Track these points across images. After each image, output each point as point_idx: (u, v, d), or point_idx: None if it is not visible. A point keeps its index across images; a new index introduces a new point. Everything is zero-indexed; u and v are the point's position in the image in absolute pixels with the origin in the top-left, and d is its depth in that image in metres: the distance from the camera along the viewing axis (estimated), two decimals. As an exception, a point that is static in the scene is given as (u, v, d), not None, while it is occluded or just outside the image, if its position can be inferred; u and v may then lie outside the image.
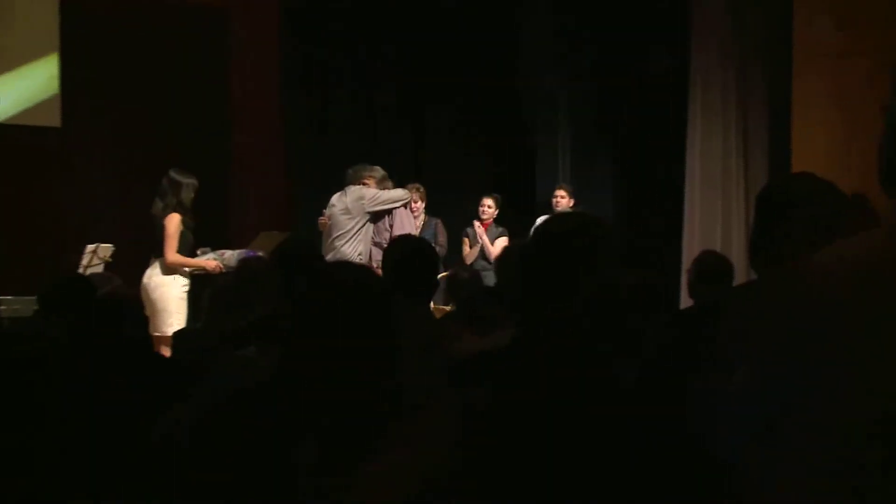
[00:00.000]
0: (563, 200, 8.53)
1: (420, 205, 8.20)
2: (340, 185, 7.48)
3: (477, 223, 8.42)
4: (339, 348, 1.67)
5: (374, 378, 1.68)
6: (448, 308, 6.58)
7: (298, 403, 1.67)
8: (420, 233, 8.08)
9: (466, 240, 8.50)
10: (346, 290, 1.73)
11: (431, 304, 6.31)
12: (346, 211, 7.24)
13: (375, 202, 7.26)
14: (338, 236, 7.22)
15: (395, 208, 7.37)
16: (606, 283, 1.85)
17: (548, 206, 8.64)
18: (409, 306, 3.24)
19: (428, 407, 1.72)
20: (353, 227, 7.22)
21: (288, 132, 9.64)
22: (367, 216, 7.25)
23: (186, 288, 6.69)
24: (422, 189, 8.22)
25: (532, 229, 8.49)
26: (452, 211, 8.68)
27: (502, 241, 8.34)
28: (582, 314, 1.83)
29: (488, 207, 8.48)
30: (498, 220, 8.51)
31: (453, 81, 9.48)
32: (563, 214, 2.13)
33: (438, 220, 8.31)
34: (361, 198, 7.24)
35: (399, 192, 7.43)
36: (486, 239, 8.34)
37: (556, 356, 1.82)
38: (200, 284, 6.47)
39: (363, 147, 8.89)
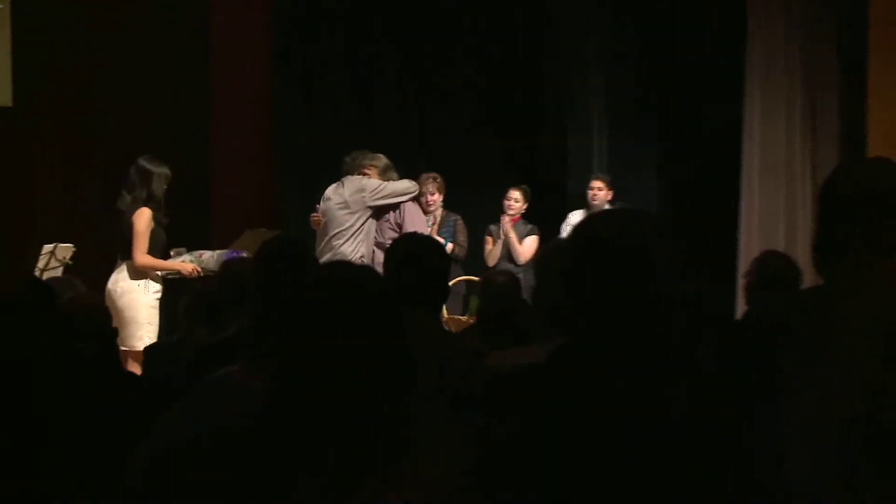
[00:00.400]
0: (600, 193, 8.48)
1: (437, 198, 8.11)
2: (335, 177, 7.47)
3: (505, 218, 8.35)
4: (348, 364, 1.69)
5: (388, 396, 1.70)
6: (465, 318, 6.59)
7: (298, 437, 1.69)
8: (437, 230, 8.05)
9: (490, 238, 8.44)
10: (346, 292, 1.74)
11: (444, 314, 6.33)
12: (345, 205, 7.22)
13: (378, 195, 7.25)
14: (335, 234, 7.20)
15: (402, 202, 7.37)
16: (662, 294, 1.87)
17: (581, 200, 8.62)
18: (414, 316, 3.20)
19: (437, 433, 1.76)
20: (352, 224, 7.20)
21: (275, 119, 9.68)
22: (369, 211, 7.23)
23: (158, 295, 6.69)
24: (439, 179, 8.12)
25: (564, 227, 8.48)
26: (468, 208, 8.62)
27: (532, 241, 8.27)
28: (635, 329, 1.85)
29: (515, 201, 8.39)
30: (526, 216, 8.46)
31: (464, 59, 9.49)
32: (612, 214, 2.11)
33: (458, 217, 8.23)
34: (362, 190, 7.23)
35: (405, 184, 7.42)
36: (513, 237, 8.27)
37: (599, 378, 1.84)
38: (175, 290, 6.48)
39: (360, 138, 8.85)
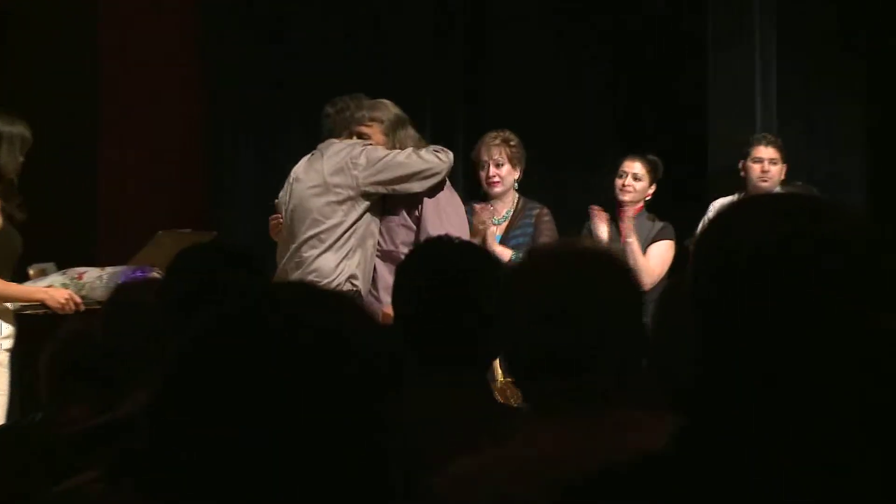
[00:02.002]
0: (772, 169, 8.55)
1: (507, 172, 8.16)
2: (310, 145, 7.49)
3: (597, 210, 8.39)
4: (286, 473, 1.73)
5: None
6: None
7: None
8: (508, 229, 8.16)
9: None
10: (309, 350, 1.78)
11: (498, 375, 6.30)
12: (324, 189, 7.19)
13: (382, 172, 7.22)
14: (308, 240, 7.20)
15: (426, 187, 7.34)
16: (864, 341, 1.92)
17: (732, 178, 8.67)
18: (445, 379, 3.26)
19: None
20: (338, 222, 7.17)
21: (208, 59, 9.97)
22: (366, 201, 7.29)
23: (10, 343, 6.77)
24: (514, 143, 8.16)
25: (703, 225, 8.48)
26: (556, 193, 8.69)
27: (663, 249, 8.37)
28: (810, 404, 1.93)
29: (635, 179, 8.48)
30: (655, 206, 8.54)
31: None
32: (777, 202, 2.09)
33: (543, 209, 8.27)
34: (353, 163, 7.16)
35: (429, 155, 7.36)
36: (633, 242, 8.30)
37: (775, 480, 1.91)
38: (37, 336, 6.47)
39: (357, 78, 8.90)
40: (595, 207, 8.37)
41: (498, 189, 8.14)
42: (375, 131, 7.36)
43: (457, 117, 9.72)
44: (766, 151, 8.59)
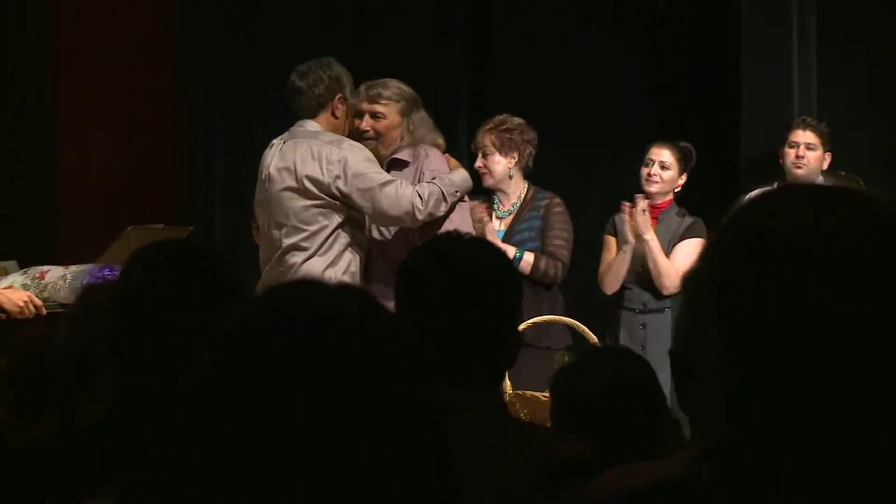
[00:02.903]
0: (809, 156, 8.50)
1: (496, 161, 8.06)
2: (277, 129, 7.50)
3: (628, 207, 8.29)
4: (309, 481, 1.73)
5: None
6: (544, 395, 6.53)
7: None
8: (513, 223, 8.13)
9: (611, 240, 8.50)
10: (308, 343, 1.79)
11: (508, 387, 6.28)
12: (299, 190, 7.16)
13: (358, 197, 7.08)
14: (291, 248, 7.22)
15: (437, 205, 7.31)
16: None
17: (767, 167, 8.64)
18: (451, 393, 3.21)
19: None
20: (319, 228, 7.18)
21: (180, 42, 10.05)
22: (346, 203, 7.18)
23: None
24: (506, 126, 8.06)
25: (731, 216, 8.47)
26: (571, 183, 8.69)
27: (691, 249, 8.23)
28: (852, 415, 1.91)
29: (662, 168, 8.44)
30: (687, 200, 8.51)
31: None
32: (813, 195, 2.07)
33: (554, 198, 8.23)
34: (328, 167, 7.09)
35: (406, 202, 7.11)
36: (652, 239, 8.25)
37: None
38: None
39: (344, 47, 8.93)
40: (627, 204, 8.32)
41: (488, 181, 8.09)
42: (392, 111, 7.37)
43: (460, 104, 9.78)
44: (803, 135, 8.54)
